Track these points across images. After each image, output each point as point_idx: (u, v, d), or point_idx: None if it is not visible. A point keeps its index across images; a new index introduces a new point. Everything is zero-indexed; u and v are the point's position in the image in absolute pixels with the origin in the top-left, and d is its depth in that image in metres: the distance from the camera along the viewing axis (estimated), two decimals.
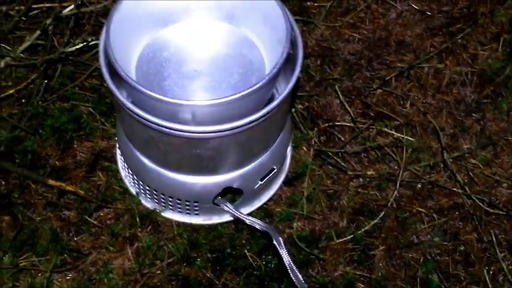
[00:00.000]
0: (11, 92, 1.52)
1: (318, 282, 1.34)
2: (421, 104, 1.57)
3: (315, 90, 1.58)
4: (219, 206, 1.34)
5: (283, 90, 1.18)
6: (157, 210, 1.38)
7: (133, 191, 1.41)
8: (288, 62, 1.19)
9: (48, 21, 1.58)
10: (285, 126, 1.34)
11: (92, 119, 1.50)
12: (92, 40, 1.57)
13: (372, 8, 1.72)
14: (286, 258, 1.27)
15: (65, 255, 1.34)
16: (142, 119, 1.14)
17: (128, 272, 1.33)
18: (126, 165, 1.38)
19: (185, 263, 1.35)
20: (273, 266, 1.35)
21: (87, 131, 1.48)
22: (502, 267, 1.37)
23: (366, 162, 1.49)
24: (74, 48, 1.57)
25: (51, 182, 1.39)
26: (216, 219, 1.38)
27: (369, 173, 1.47)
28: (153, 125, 1.14)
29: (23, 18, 1.62)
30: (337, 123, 1.53)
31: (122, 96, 1.15)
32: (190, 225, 1.38)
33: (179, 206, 1.35)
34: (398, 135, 1.52)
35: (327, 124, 1.53)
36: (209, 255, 1.35)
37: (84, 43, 1.57)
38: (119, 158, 1.43)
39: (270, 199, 1.42)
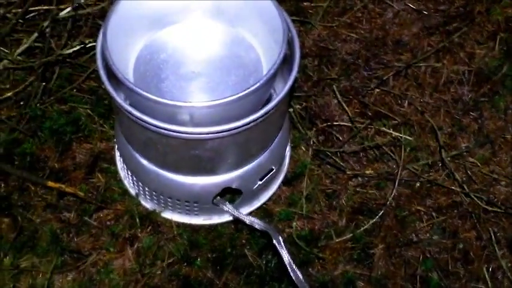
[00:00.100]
0: (9, 94, 1.52)
1: (318, 281, 1.34)
2: (418, 103, 1.57)
3: (312, 90, 1.58)
4: (218, 206, 1.34)
5: (280, 90, 1.18)
6: (157, 211, 1.38)
7: (132, 192, 1.41)
8: (285, 62, 1.19)
9: (46, 23, 1.58)
10: (283, 127, 1.34)
11: (90, 121, 1.50)
12: (90, 42, 1.57)
13: (369, 8, 1.72)
14: (286, 257, 1.27)
15: (66, 256, 1.34)
16: (140, 121, 1.14)
17: (128, 272, 1.33)
18: (125, 167, 1.38)
19: (185, 263, 1.35)
20: (273, 265, 1.35)
21: (85, 133, 1.49)
22: (501, 265, 1.38)
23: (364, 162, 1.50)
24: (71, 51, 1.57)
25: (50, 183, 1.39)
26: (215, 219, 1.39)
27: (367, 172, 1.48)
28: (152, 127, 1.14)
29: (20, 21, 1.62)
30: (335, 123, 1.54)
31: (119, 98, 1.15)
32: (190, 225, 1.38)
33: (179, 206, 1.35)
34: (397, 134, 1.52)
35: (325, 124, 1.53)
36: (209, 255, 1.36)
37: (82, 45, 1.57)
38: (118, 160, 1.43)
39: (269, 199, 1.43)
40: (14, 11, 1.63)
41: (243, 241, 1.38)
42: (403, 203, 1.44)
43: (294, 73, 1.18)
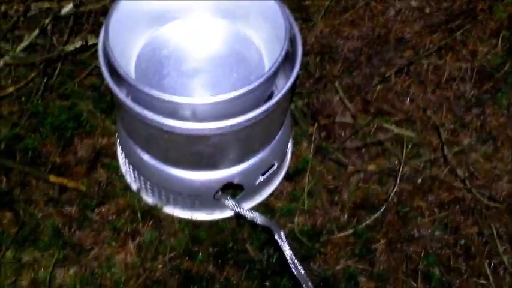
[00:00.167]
0: (10, 90, 1.52)
1: (319, 276, 1.34)
2: (421, 100, 1.57)
3: (314, 87, 1.58)
4: (220, 201, 1.34)
5: (282, 87, 1.18)
6: (159, 206, 1.39)
7: (134, 186, 1.41)
8: (287, 59, 1.19)
9: (47, 20, 1.58)
10: (284, 123, 1.34)
11: (92, 117, 1.50)
12: (91, 39, 1.57)
13: (371, 6, 1.72)
14: (287, 252, 1.27)
15: (67, 250, 1.34)
16: (142, 117, 1.14)
17: (130, 266, 1.33)
18: (126, 162, 1.38)
19: (187, 257, 1.35)
20: (274, 260, 1.35)
21: (87, 129, 1.49)
22: (502, 261, 1.37)
23: (366, 158, 1.49)
24: (73, 47, 1.57)
25: (52, 178, 1.39)
26: (217, 214, 1.39)
27: (369, 168, 1.48)
28: (154, 123, 1.14)
29: (21, 17, 1.63)
30: (337, 120, 1.54)
31: (121, 94, 1.15)
32: (192, 220, 1.38)
33: (180, 201, 1.35)
34: (399, 130, 1.52)
35: (327, 120, 1.53)
36: (211, 250, 1.36)
37: (83, 42, 1.57)
38: (120, 155, 1.43)
39: (271, 194, 1.43)
40: (15, 7, 1.63)
41: (245, 236, 1.38)
42: (405, 198, 1.44)
43: (296, 70, 1.18)
